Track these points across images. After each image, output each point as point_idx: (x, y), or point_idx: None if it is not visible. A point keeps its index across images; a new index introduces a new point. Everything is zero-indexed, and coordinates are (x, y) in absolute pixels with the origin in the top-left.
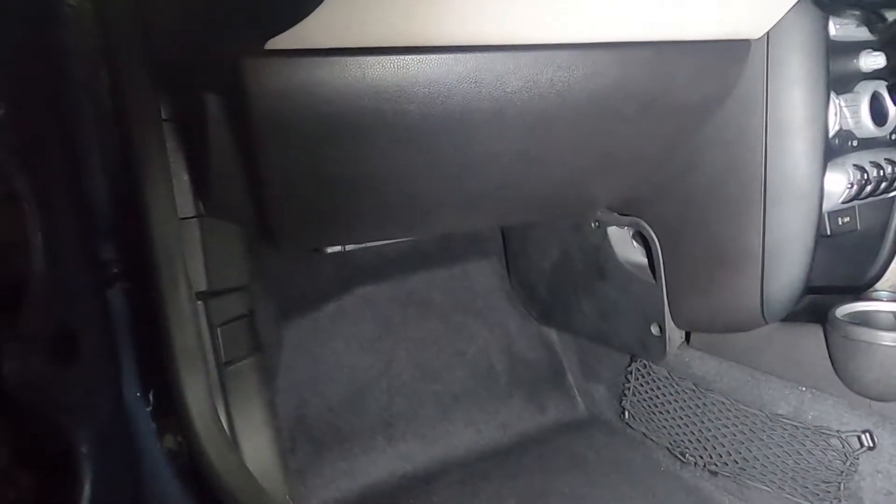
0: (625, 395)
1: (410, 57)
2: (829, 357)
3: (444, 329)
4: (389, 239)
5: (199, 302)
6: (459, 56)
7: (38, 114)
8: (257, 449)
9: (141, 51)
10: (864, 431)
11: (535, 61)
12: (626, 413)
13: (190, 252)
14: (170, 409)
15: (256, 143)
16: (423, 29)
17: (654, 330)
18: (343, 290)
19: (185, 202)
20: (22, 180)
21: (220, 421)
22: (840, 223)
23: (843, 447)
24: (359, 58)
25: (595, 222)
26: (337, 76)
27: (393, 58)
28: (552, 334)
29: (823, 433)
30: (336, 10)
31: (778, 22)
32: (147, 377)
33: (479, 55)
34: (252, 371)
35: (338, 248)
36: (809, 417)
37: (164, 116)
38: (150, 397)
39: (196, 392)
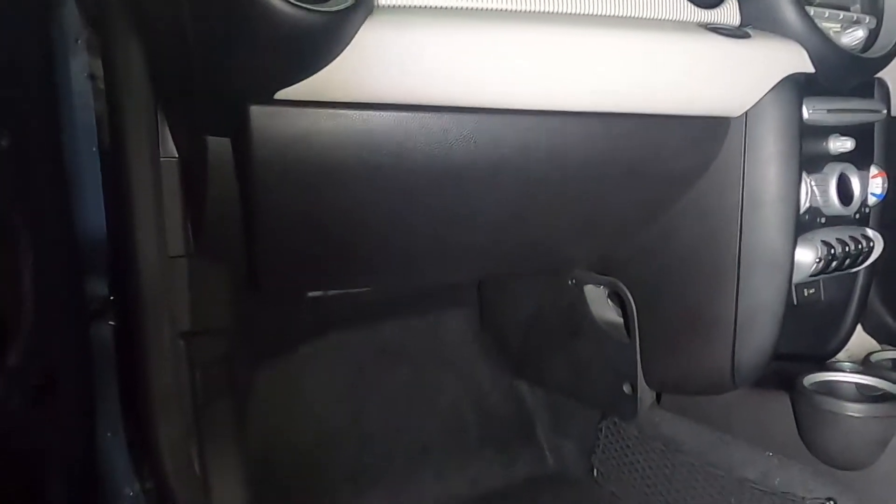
0: (594, 453)
1: (412, 114)
2: (796, 425)
3: (416, 379)
4: (372, 286)
5: (181, 342)
6: (459, 116)
7: (39, 146)
8: (227, 494)
9: (144, 89)
10: (828, 499)
11: (530, 126)
12: (596, 470)
13: (177, 291)
14: (143, 450)
15: (255, 188)
16: (426, 89)
17: (626, 389)
18: (317, 335)
19: (175, 240)
20: (17, 213)
21: (193, 464)
22: (806, 294)
23: None
24: (363, 112)
25: (572, 280)
26: (340, 128)
27: (395, 114)
28: (523, 387)
29: (789, 499)
30: (344, 68)
31: (756, 103)
32: (122, 417)
33: (478, 116)
34: (227, 415)
35: (319, 293)
36: (776, 483)
37: (164, 153)
38: (124, 438)
39: (170, 434)
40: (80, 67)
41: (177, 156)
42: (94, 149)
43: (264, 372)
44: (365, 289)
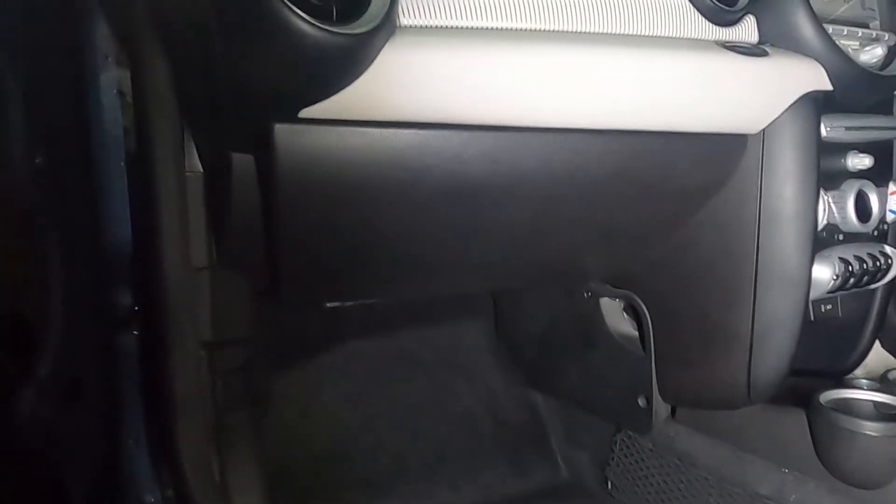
0: (609, 465)
1: (432, 132)
2: (812, 442)
3: (430, 387)
4: (391, 298)
5: (202, 352)
6: (479, 134)
7: (70, 162)
8: (247, 501)
9: (171, 106)
10: None
11: (549, 143)
12: (610, 483)
13: (199, 301)
14: (164, 458)
15: (279, 203)
16: (446, 108)
17: (641, 402)
18: (333, 343)
19: (198, 252)
20: (48, 225)
21: (213, 472)
22: (823, 310)
23: None
24: (385, 130)
25: (587, 292)
26: (362, 145)
27: (416, 132)
28: (537, 398)
29: None
30: (367, 87)
31: (774, 121)
32: (145, 424)
33: (497, 134)
34: (246, 423)
35: (337, 304)
36: (791, 500)
37: (189, 168)
38: (146, 444)
39: (191, 442)
40: (110, 84)
41: (201, 170)
42: (121, 163)
43: (282, 380)
44: (382, 300)
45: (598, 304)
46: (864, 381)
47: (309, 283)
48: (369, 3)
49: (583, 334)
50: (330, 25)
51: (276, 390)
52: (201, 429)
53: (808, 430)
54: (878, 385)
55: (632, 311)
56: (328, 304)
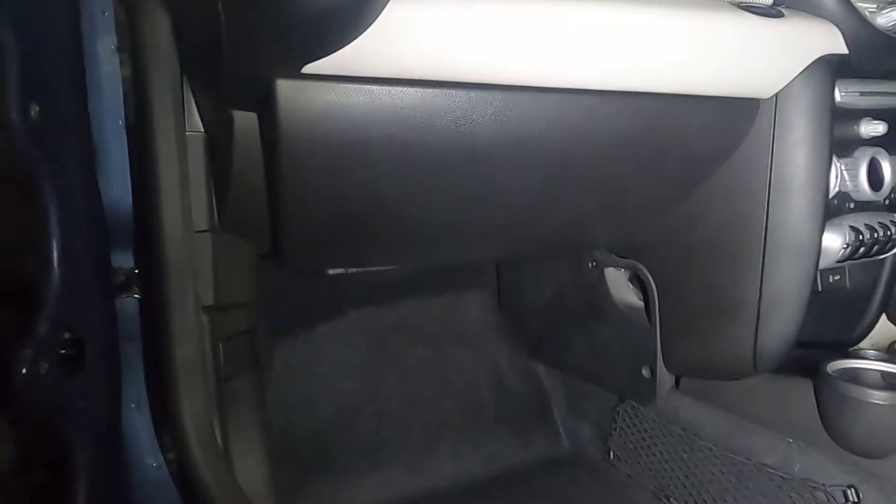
0: (611, 436)
1: (439, 91)
2: (819, 411)
3: (433, 357)
4: (395, 265)
5: (204, 316)
6: (486, 93)
7: (67, 118)
8: (249, 467)
9: (170, 62)
10: (849, 486)
11: (558, 104)
12: (612, 453)
13: (200, 265)
14: (165, 422)
15: (281, 163)
16: (453, 65)
17: (645, 372)
18: (336, 312)
19: (200, 215)
20: (46, 182)
21: (215, 436)
22: (831, 281)
23: (829, 501)
24: (390, 87)
25: (592, 262)
26: (367, 104)
27: (422, 90)
28: (540, 369)
29: (809, 486)
30: (372, 42)
31: (787, 85)
32: (146, 388)
33: (505, 94)
34: (249, 389)
35: (340, 270)
36: (796, 469)
37: (190, 128)
38: (148, 408)
39: (193, 406)
40: (107, 41)
41: (202, 130)
42: (120, 122)
43: (284, 347)
44: (385, 267)
45: (602, 275)
46: (871, 351)
47: (312, 247)
48: None
49: (587, 305)
50: None
51: (278, 357)
52: (203, 393)
53: (813, 400)
54: (885, 356)
55: (637, 281)
56: (330, 271)
